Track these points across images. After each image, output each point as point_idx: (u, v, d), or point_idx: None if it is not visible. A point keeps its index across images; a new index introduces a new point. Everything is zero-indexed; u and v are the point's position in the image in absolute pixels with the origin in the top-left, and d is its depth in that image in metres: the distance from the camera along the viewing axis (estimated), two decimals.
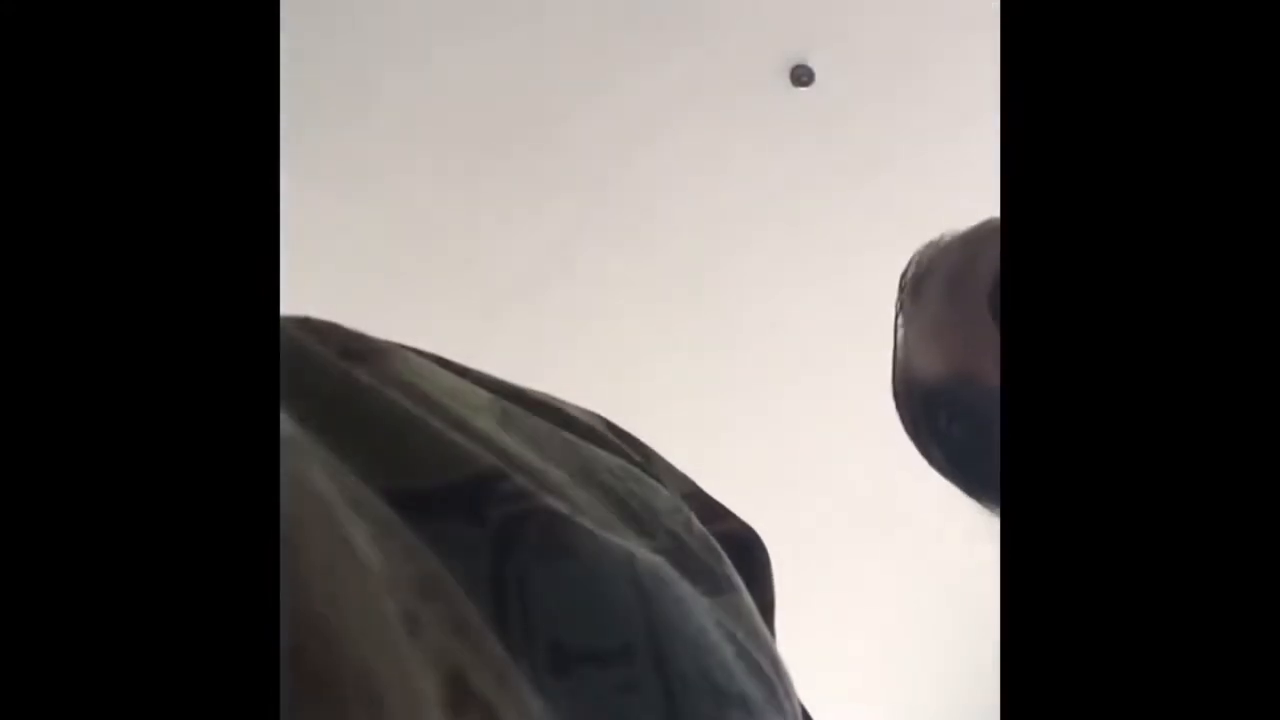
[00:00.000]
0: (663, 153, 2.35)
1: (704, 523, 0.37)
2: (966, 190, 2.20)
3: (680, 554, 0.34)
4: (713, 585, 0.34)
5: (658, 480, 0.39)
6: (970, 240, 0.74)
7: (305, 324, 0.36)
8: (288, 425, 0.21)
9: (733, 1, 2.21)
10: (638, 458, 0.40)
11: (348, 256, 2.35)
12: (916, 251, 0.78)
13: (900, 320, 0.77)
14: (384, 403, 0.32)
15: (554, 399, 0.41)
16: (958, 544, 2.46)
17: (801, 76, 2.27)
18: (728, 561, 0.36)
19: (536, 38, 2.23)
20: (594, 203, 2.39)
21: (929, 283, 0.74)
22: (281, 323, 0.28)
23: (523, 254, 2.42)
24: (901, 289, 0.78)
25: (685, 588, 0.32)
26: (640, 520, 0.34)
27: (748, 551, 0.42)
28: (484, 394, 0.37)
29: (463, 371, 0.39)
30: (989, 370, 0.67)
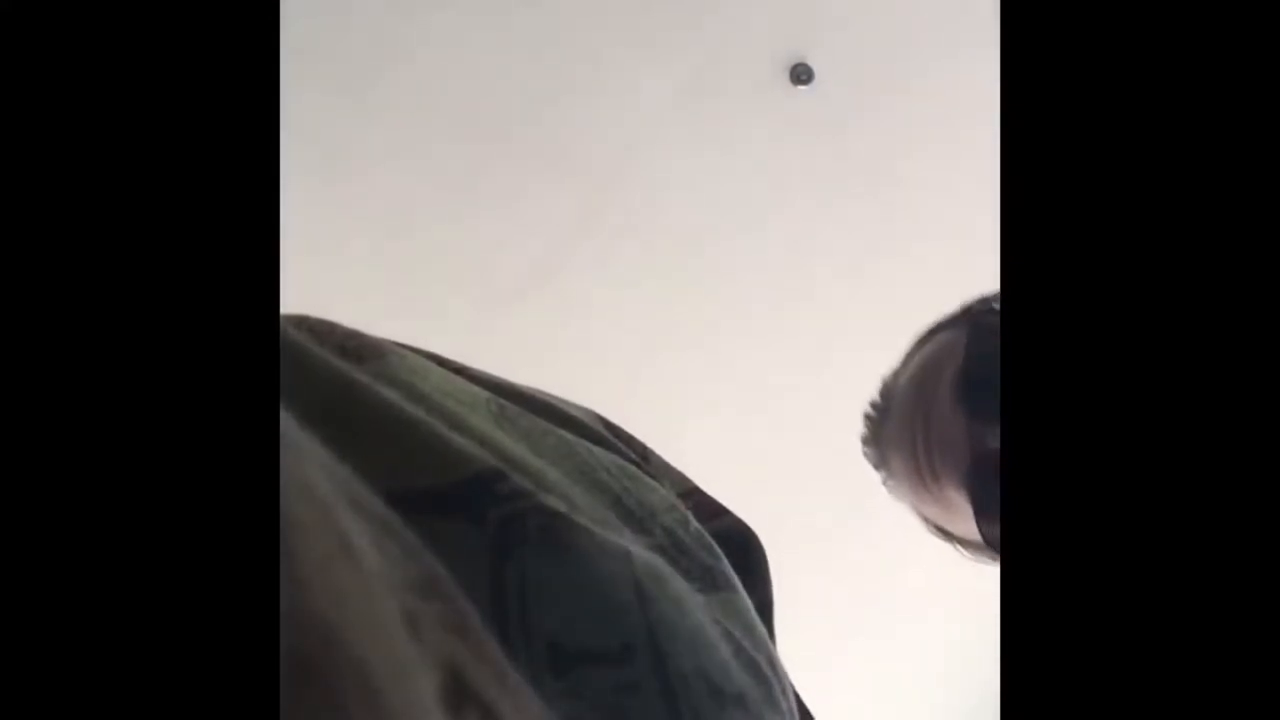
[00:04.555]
0: (663, 152, 2.35)
1: (701, 521, 0.37)
2: (966, 190, 2.20)
3: (677, 552, 0.34)
4: (709, 583, 0.34)
5: (655, 478, 0.39)
6: (919, 375, 0.73)
7: (303, 323, 0.36)
8: (286, 425, 0.21)
9: (733, 1, 2.21)
10: (635, 456, 0.40)
11: (347, 256, 2.34)
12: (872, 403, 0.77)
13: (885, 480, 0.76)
14: (382, 402, 0.32)
15: (551, 397, 0.41)
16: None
17: (801, 76, 2.27)
18: (724, 559, 0.36)
19: (536, 37, 2.23)
20: (594, 202, 2.38)
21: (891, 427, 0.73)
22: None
23: (522, 253, 2.42)
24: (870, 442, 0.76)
25: (683, 586, 0.32)
26: (637, 518, 0.34)
27: (745, 549, 0.42)
28: (481, 392, 0.37)
29: (459, 370, 0.39)
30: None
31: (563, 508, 0.31)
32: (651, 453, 0.42)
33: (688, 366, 2.55)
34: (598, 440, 0.38)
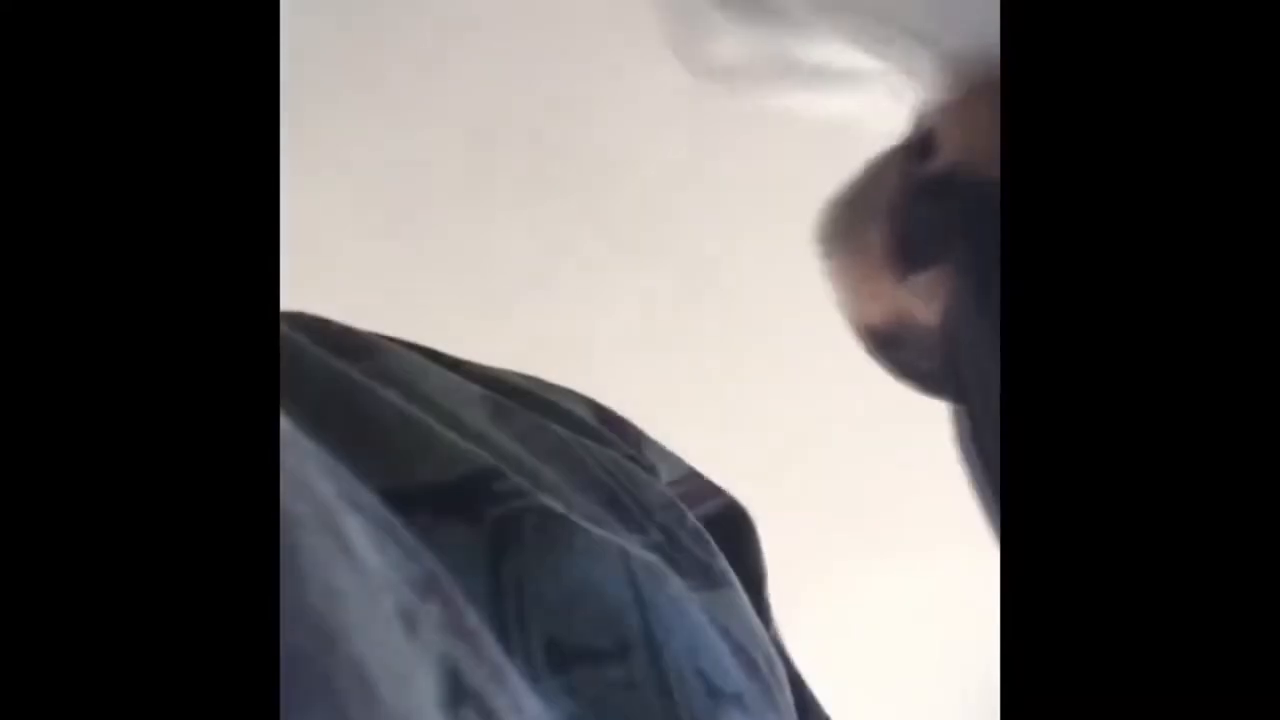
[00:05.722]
0: (663, 151, 2.35)
1: (698, 502, 0.37)
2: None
3: (674, 549, 0.34)
4: (707, 580, 0.34)
5: (650, 467, 0.39)
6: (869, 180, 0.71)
7: (298, 320, 0.36)
8: (284, 423, 0.21)
9: None
10: (628, 448, 0.39)
11: (347, 255, 2.34)
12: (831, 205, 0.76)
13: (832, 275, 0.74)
14: (379, 400, 0.32)
15: (544, 389, 0.41)
16: (959, 537, 2.46)
17: None
18: (721, 556, 0.36)
19: (535, 39, 2.23)
20: (595, 201, 2.38)
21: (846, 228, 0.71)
22: None
23: (523, 254, 2.41)
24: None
25: (680, 584, 0.32)
26: (634, 516, 0.34)
27: (735, 526, 0.42)
28: (475, 389, 0.37)
29: (454, 365, 0.39)
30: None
31: (559, 506, 0.31)
32: (646, 438, 0.42)
33: (689, 366, 2.55)
34: (593, 435, 0.38)
